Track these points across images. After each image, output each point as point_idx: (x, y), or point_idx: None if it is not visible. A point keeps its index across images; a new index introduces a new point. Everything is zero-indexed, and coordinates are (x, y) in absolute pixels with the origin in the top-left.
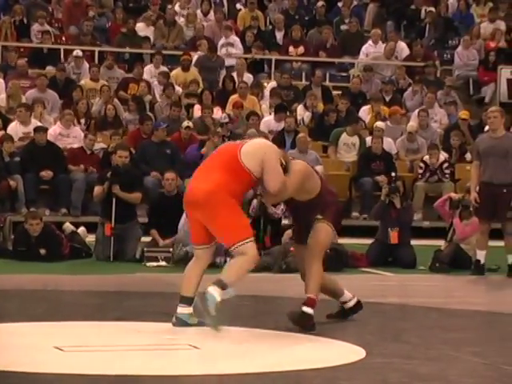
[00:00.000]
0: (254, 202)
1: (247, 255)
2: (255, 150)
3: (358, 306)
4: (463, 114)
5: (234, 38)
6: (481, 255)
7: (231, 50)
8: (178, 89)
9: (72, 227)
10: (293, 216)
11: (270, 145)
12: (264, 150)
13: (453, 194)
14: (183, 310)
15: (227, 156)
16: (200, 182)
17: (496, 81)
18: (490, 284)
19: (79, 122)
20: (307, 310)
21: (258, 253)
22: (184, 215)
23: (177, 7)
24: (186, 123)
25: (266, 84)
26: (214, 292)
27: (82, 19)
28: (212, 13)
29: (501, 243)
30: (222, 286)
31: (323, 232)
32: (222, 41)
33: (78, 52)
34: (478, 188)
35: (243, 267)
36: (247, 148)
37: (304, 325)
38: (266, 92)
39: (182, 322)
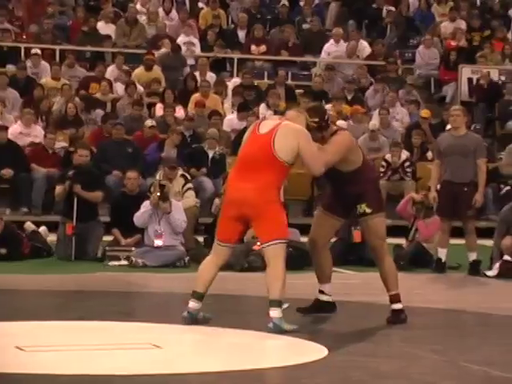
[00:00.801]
0: (216, 200)
1: (280, 261)
2: (288, 142)
3: (329, 304)
4: (424, 112)
5: (194, 39)
6: (442, 253)
7: (192, 48)
8: (140, 88)
9: (33, 226)
10: (331, 184)
11: (299, 131)
12: (297, 139)
13: (414, 195)
14: (194, 305)
15: (264, 153)
16: (246, 182)
17: (457, 80)
18: (451, 282)
19: (42, 120)
20: (396, 306)
21: (285, 253)
22: (143, 210)
23: (138, 5)
24: (149, 122)
25: (228, 83)
26: (277, 314)
27: (42, 17)
28: (174, 11)
29: (462, 241)
30: (278, 304)
31: (378, 227)
32: (183, 40)
33: (36, 50)
34: (438, 186)
35: (281, 276)
36: (280, 142)
37: (400, 320)
38: (229, 91)
39: (192, 317)
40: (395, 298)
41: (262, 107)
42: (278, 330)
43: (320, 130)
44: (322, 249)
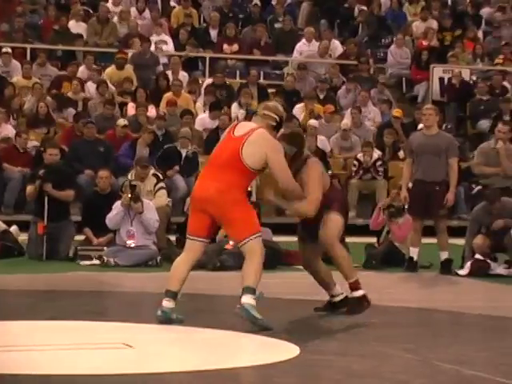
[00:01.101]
0: (188, 199)
1: (256, 254)
2: (255, 149)
3: (345, 301)
4: (396, 112)
5: (165, 37)
6: (414, 252)
7: (164, 47)
8: (112, 87)
9: (4, 226)
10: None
11: (269, 141)
12: (265, 148)
13: (381, 205)
14: (168, 304)
15: (231, 155)
16: (212, 181)
17: (428, 79)
18: (423, 281)
19: (13, 119)
20: (356, 293)
21: (263, 247)
22: (115, 212)
23: (109, 4)
24: (122, 122)
25: (200, 82)
26: (248, 300)
27: (13, 16)
28: (147, 10)
29: (433, 240)
30: (251, 291)
31: (329, 221)
32: (155, 39)
33: (7, 49)
34: (410, 185)
35: (258, 268)
36: (248, 147)
37: (360, 308)
38: (201, 90)
39: (166, 316)
40: (355, 285)
41: (234, 106)
42: (246, 315)
43: (293, 159)
44: (315, 266)
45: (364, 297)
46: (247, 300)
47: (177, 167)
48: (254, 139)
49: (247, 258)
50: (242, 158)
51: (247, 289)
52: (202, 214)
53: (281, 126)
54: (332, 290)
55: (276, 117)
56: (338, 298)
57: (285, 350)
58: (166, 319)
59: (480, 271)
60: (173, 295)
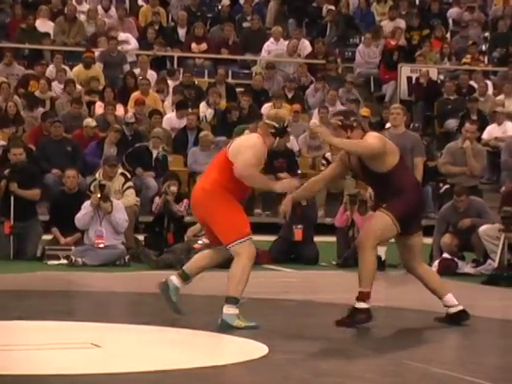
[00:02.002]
0: (157, 199)
1: (242, 258)
2: (237, 146)
3: (463, 314)
4: (364, 111)
5: (126, 35)
6: (381, 251)
7: (131, 46)
8: (79, 86)
9: None
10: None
11: (246, 139)
12: (242, 144)
13: (346, 196)
14: (176, 280)
15: (220, 157)
16: (198, 183)
17: (396, 78)
18: (391, 280)
19: None
20: (361, 305)
21: (254, 250)
22: (84, 212)
23: (75, 2)
24: (90, 121)
25: (169, 81)
26: (227, 310)
27: None
28: (113, 8)
29: None
30: (234, 302)
31: (375, 220)
32: (122, 37)
33: None
34: None
35: (243, 277)
36: (233, 146)
37: (358, 320)
38: (170, 89)
39: (167, 291)
40: (361, 296)
41: (203, 105)
42: (227, 327)
43: (344, 128)
44: (416, 269)
45: (364, 311)
46: (228, 311)
47: (151, 172)
48: (240, 140)
49: (233, 262)
50: (228, 155)
51: (228, 299)
52: (202, 223)
53: (283, 132)
54: (443, 299)
55: (275, 124)
56: (452, 310)
57: (253, 350)
58: (167, 294)
59: (448, 270)
60: (185, 277)
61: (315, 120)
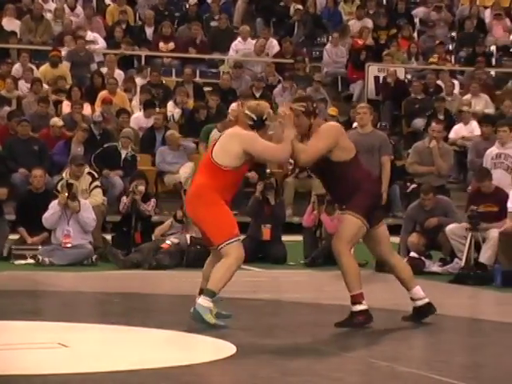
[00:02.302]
0: (124, 198)
1: (229, 258)
2: (226, 147)
3: (429, 307)
4: (332, 110)
5: (94, 35)
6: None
7: (98, 45)
8: (45, 85)
9: None
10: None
11: (237, 135)
12: (239, 144)
13: (314, 196)
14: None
15: (206, 159)
16: (189, 187)
17: (364, 78)
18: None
19: None
20: (357, 307)
21: (242, 252)
22: (51, 211)
23: (42, 1)
24: (57, 121)
25: (136, 80)
26: (203, 302)
27: None
28: (79, 7)
29: None
30: (211, 295)
31: (346, 225)
32: (90, 36)
33: None
34: None
35: (226, 274)
36: (217, 147)
37: (357, 322)
38: (137, 88)
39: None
40: (355, 299)
41: (170, 105)
42: (197, 318)
43: (308, 115)
44: (389, 260)
45: (361, 312)
46: (202, 302)
47: (120, 171)
48: (224, 138)
49: (219, 263)
50: (212, 158)
51: (207, 291)
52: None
53: (261, 125)
54: (411, 291)
55: (253, 116)
56: (419, 303)
57: (221, 349)
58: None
59: (415, 269)
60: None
61: (284, 108)
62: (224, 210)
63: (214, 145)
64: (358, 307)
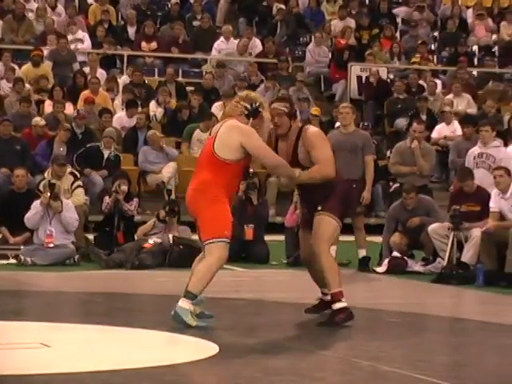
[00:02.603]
0: (106, 198)
1: (211, 257)
2: (227, 140)
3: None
4: (314, 110)
5: (83, 34)
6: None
7: (80, 45)
8: (27, 84)
9: None
10: (301, 199)
11: (238, 127)
12: (238, 137)
13: (296, 195)
14: (183, 304)
15: (206, 153)
16: (191, 183)
17: (346, 78)
18: (342, 278)
19: None
20: (337, 305)
21: (226, 254)
22: (34, 211)
23: (24, 1)
24: (39, 120)
25: (118, 80)
26: (183, 304)
27: None
28: (60, 6)
29: (351, 238)
30: (191, 297)
31: (324, 226)
32: (70, 37)
33: None
34: None
35: (207, 275)
36: (219, 140)
37: (339, 320)
38: (120, 88)
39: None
40: (337, 297)
41: (152, 104)
42: (178, 320)
43: (289, 116)
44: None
45: (341, 310)
46: (183, 305)
47: (104, 171)
48: (223, 131)
49: (202, 261)
50: (214, 152)
51: (187, 293)
52: (196, 223)
53: (255, 113)
54: (324, 289)
55: (246, 104)
56: (329, 297)
57: (204, 349)
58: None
59: (397, 268)
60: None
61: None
62: (224, 210)
63: (213, 139)
64: (338, 305)
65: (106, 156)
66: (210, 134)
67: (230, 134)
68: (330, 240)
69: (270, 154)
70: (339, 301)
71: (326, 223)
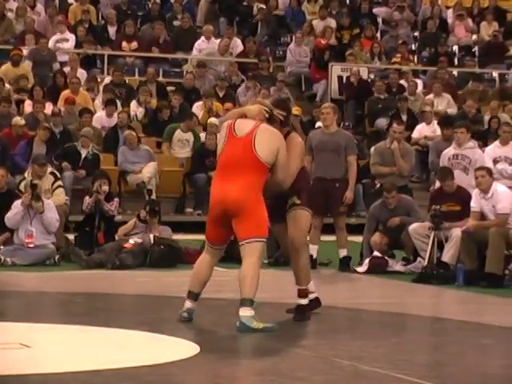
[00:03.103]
0: (87, 198)
1: (253, 257)
2: (268, 144)
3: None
4: (295, 110)
5: (69, 34)
6: (313, 250)
7: (65, 45)
8: (7, 84)
9: None
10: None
11: (277, 134)
12: (276, 143)
13: None
14: (192, 305)
15: (246, 155)
16: (232, 183)
17: (327, 77)
18: (322, 278)
19: None
20: (302, 301)
21: (263, 252)
22: (15, 211)
23: (3, 0)
24: (19, 120)
25: (99, 79)
26: (245, 313)
27: None
28: (40, 6)
29: (332, 238)
30: (249, 303)
31: (300, 217)
32: (56, 36)
33: None
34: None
35: (255, 277)
36: (260, 143)
37: (303, 317)
38: (100, 88)
39: (190, 316)
40: (303, 293)
41: (133, 104)
42: (245, 329)
43: (284, 124)
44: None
45: (307, 306)
46: (244, 313)
47: (83, 171)
48: (262, 135)
49: (244, 262)
50: (257, 155)
51: (244, 301)
52: (221, 223)
53: (287, 120)
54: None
55: (283, 113)
56: (312, 296)
57: (184, 349)
58: (190, 319)
59: (378, 268)
60: (195, 297)
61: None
62: (265, 211)
63: (251, 141)
64: (305, 301)
65: (83, 155)
66: (234, 133)
67: (272, 138)
68: (307, 231)
69: (290, 170)
70: (307, 296)
71: (304, 216)
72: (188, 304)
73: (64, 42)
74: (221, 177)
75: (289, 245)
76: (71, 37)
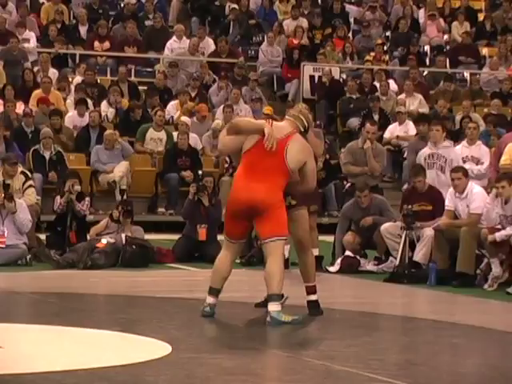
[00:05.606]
0: (58, 198)
1: (276, 255)
2: (298, 155)
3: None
4: (267, 109)
5: (31, 34)
6: (285, 249)
7: (28, 45)
8: None
9: None
10: None
11: (308, 148)
12: (306, 156)
13: None
14: (213, 300)
15: (276, 159)
16: (258, 183)
17: (299, 77)
18: (294, 278)
19: None
20: (313, 297)
21: (284, 250)
22: None
23: None
24: None
25: (70, 79)
26: (275, 307)
27: None
28: (11, 4)
29: None
30: (278, 299)
31: (301, 217)
32: (24, 35)
33: None
34: None
35: (280, 273)
36: (291, 153)
37: (318, 311)
38: (72, 87)
39: (212, 311)
40: (312, 290)
41: (104, 104)
42: (276, 323)
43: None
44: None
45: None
46: (273, 308)
47: (54, 175)
48: (295, 145)
49: (269, 260)
50: (286, 161)
51: (272, 296)
52: (242, 219)
53: (307, 131)
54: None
55: (306, 124)
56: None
57: (157, 349)
58: (212, 314)
59: (350, 268)
60: (216, 292)
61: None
62: (285, 212)
63: (284, 150)
64: (315, 296)
65: (47, 158)
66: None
67: (302, 150)
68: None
69: (315, 180)
70: (316, 292)
71: (304, 216)
72: (210, 299)
73: (25, 43)
74: (247, 175)
75: (295, 246)
76: (32, 35)
